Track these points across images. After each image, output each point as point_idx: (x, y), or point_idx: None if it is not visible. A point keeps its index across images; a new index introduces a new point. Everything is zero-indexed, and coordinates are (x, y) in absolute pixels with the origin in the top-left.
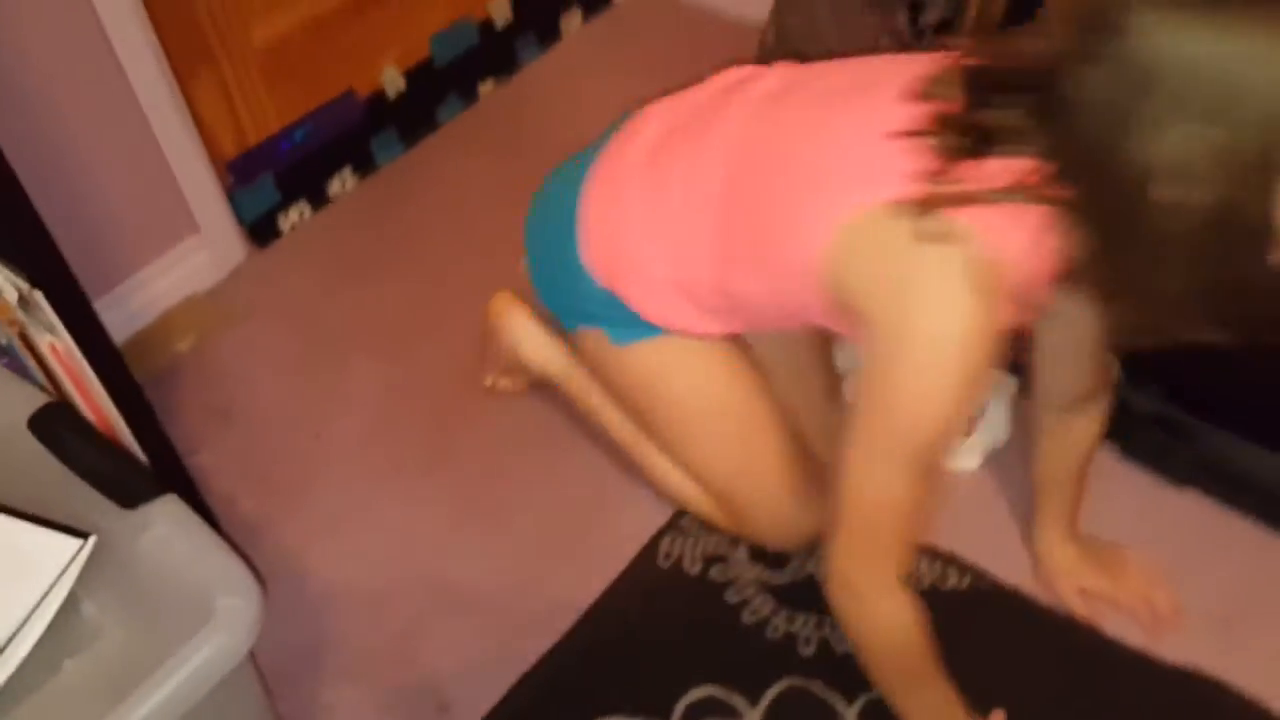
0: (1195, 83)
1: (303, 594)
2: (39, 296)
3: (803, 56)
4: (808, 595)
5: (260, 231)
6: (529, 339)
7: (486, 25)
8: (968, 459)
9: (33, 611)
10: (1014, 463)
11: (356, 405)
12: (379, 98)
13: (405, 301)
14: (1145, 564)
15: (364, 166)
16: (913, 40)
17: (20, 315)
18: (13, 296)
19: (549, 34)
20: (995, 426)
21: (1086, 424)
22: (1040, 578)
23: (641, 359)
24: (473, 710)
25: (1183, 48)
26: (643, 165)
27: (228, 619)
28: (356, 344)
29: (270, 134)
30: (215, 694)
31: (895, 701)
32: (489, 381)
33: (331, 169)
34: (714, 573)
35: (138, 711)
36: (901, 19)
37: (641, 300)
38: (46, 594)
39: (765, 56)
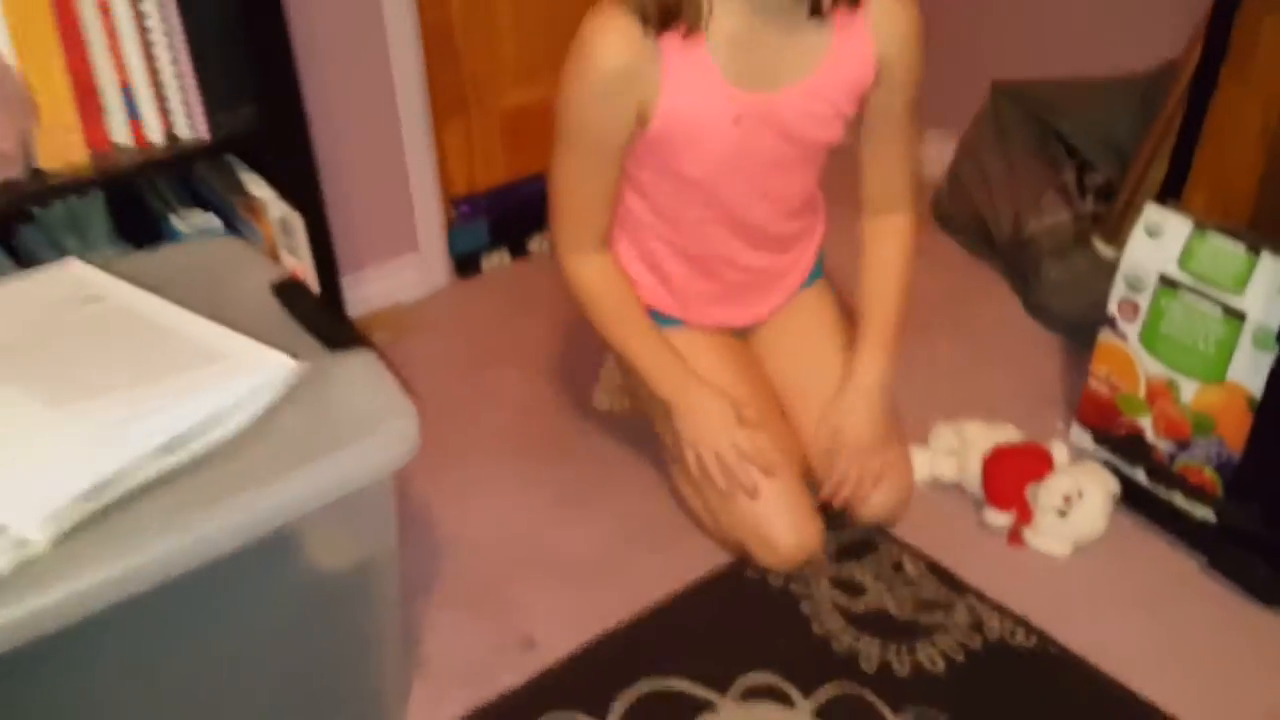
0: None
1: (430, 535)
2: (298, 219)
3: (973, 205)
4: (878, 623)
5: (465, 264)
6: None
7: None
8: (1059, 545)
9: (250, 395)
10: (1104, 555)
11: (502, 406)
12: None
13: (559, 339)
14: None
15: None
16: (1078, 199)
17: (277, 230)
18: (277, 213)
19: None
20: (1090, 520)
21: (895, 232)
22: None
23: None
24: (555, 651)
25: None
26: None
27: (392, 434)
28: (514, 363)
29: (495, 185)
30: (365, 500)
31: (617, 345)
32: (602, 402)
33: (536, 227)
34: (794, 587)
35: (311, 479)
36: (1069, 177)
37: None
38: (265, 386)
39: (939, 202)
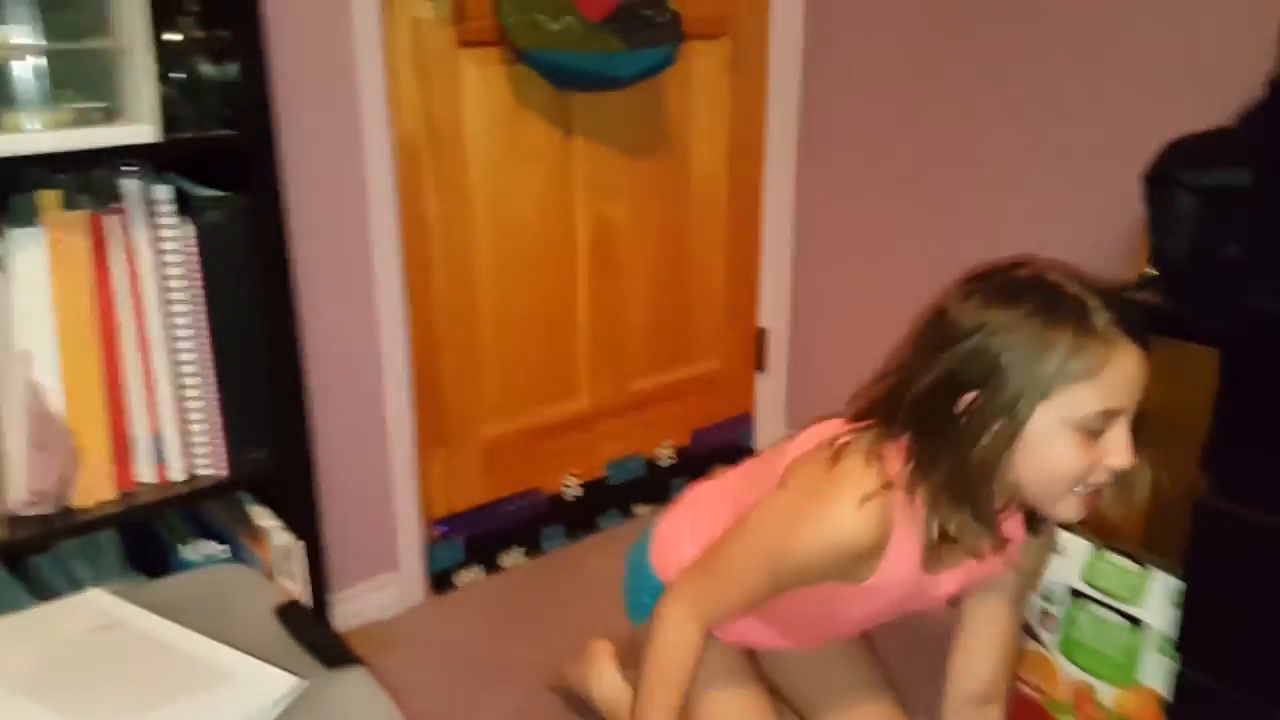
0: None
1: None
2: (298, 547)
3: None
4: None
5: (441, 581)
6: (603, 674)
7: (653, 462)
8: None
9: (256, 713)
10: None
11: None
12: (558, 498)
13: (536, 654)
14: None
15: (534, 548)
16: None
17: (277, 557)
18: (279, 541)
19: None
20: None
21: None
22: None
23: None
24: None
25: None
26: (706, 491)
27: None
28: (495, 679)
29: (472, 506)
30: None
31: (645, 695)
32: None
33: (508, 544)
34: None
35: None
36: None
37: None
38: (268, 704)
39: None
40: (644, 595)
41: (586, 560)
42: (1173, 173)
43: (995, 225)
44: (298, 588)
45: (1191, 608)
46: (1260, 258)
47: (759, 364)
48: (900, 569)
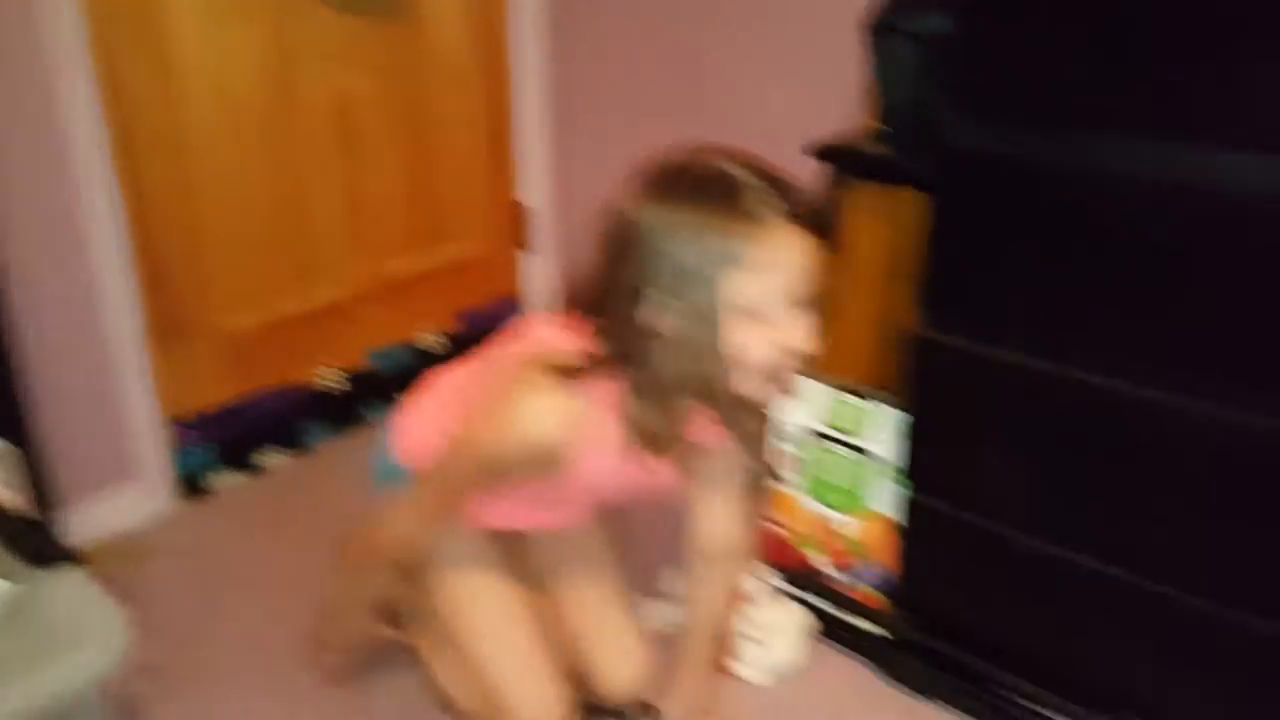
0: (664, 270)
1: None
2: (11, 452)
3: None
4: None
5: (193, 487)
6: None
7: (422, 350)
8: (760, 673)
9: None
10: (800, 677)
11: (246, 624)
12: (318, 392)
13: (293, 555)
14: None
15: (295, 446)
16: None
17: None
18: None
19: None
20: (786, 648)
21: (724, 578)
22: None
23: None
24: None
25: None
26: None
27: (97, 645)
28: (254, 581)
29: (220, 405)
30: (77, 712)
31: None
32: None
33: (266, 443)
34: None
35: (15, 694)
36: None
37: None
38: None
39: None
40: (387, 477)
41: (353, 455)
42: (889, 20)
43: (749, 85)
44: (18, 497)
45: (913, 436)
46: (959, 99)
47: (522, 243)
48: (602, 463)
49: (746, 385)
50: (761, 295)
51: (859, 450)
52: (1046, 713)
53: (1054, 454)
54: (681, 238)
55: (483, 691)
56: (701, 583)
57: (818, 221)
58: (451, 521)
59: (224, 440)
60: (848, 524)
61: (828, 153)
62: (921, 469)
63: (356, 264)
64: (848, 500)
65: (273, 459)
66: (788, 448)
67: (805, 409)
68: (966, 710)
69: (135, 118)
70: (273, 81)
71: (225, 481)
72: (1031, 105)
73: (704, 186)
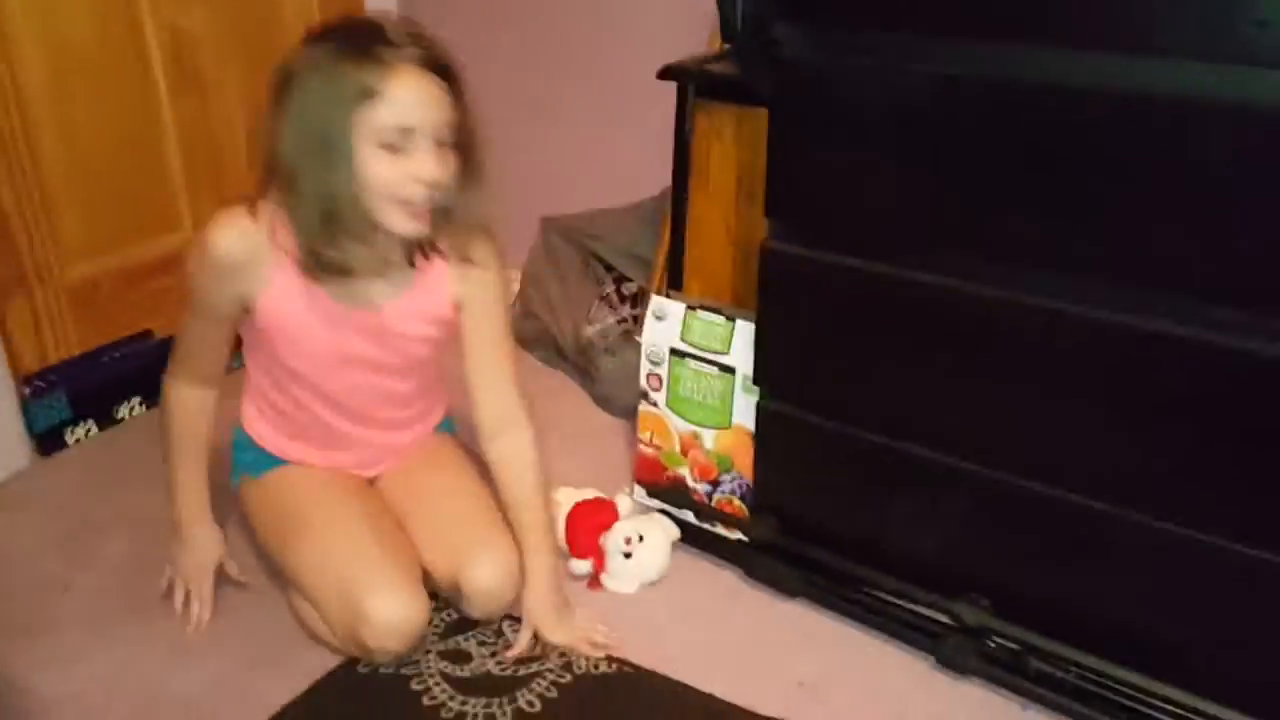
0: (307, 103)
1: (24, 703)
2: None
3: (542, 323)
4: (482, 684)
5: (49, 442)
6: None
7: None
8: (627, 584)
9: None
10: (667, 586)
11: (103, 572)
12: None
13: (150, 499)
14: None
15: (152, 397)
16: (619, 305)
17: None
18: None
19: None
20: (653, 559)
21: (519, 451)
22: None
23: (266, 486)
24: None
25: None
26: None
27: None
28: (112, 530)
29: (71, 356)
30: None
31: (170, 465)
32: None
33: (123, 396)
34: (405, 670)
35: None
36: (610, 289)
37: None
38: None
39: (515, 326)
40: (241, 453)
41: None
42: None
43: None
44: None
45: (761, 344)
46: (784, 7)
47: None
48: (291, 294)
49: (386, 216)
50: (391, 126)
51: (723, 367)
52: (899, 601)
53: (889, 353)
54: (322, 71)
55: (334, 617)
56: (500, 464)
57: (447, 71)
58: (203, 377)
59: (79, 394)
60: (713, 438)
61: (673, 72)
62: (770, 375)
63: (207, 208)
64: (713, 416)
65: (132, 410)
66: (654, 367)
67: (669, 329)
68: (826, 604)
69: None
70: (108, 21)
71: (80, 434)
72: (851, 9)
73: (349, 33)
